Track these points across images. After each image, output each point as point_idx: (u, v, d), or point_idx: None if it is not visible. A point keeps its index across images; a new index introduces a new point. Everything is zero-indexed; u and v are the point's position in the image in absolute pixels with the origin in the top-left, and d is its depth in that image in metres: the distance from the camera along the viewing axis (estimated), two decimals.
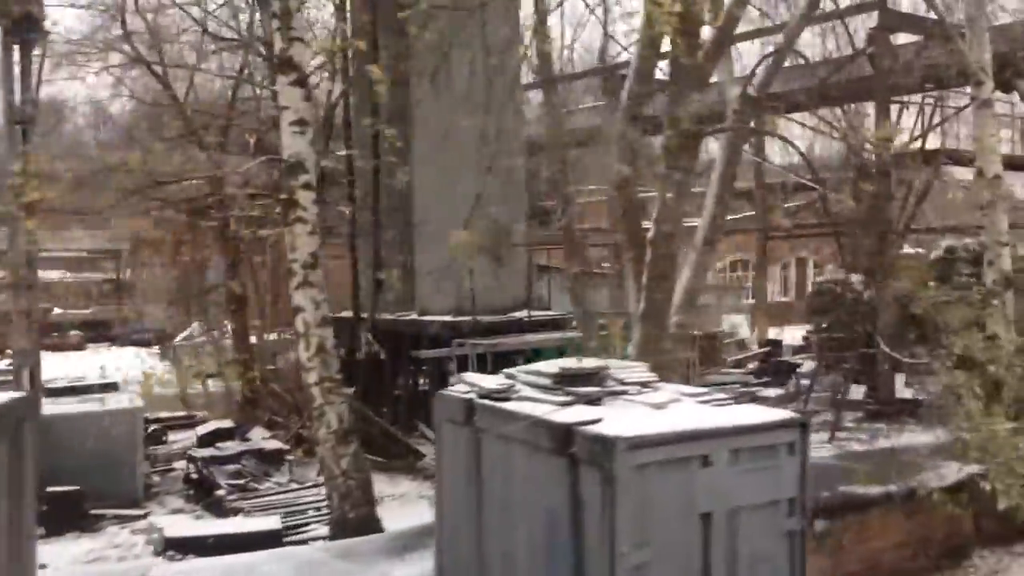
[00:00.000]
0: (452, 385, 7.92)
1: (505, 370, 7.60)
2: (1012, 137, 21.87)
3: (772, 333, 29.88)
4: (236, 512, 12.45)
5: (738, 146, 9.81)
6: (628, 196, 9.20)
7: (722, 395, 7.02)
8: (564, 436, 6.07)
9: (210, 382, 22.02)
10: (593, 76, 18.12)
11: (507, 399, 6.99)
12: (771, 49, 19.29)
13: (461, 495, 7.27)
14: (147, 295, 36.64)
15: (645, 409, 6.59)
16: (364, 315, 16.96)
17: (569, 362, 7.15)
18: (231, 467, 14.82)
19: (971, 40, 15.29)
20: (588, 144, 12.66)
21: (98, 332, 46.36)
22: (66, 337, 42.10)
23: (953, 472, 10.94)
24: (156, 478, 16.79)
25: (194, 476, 15.22)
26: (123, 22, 18.28)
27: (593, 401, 6.72)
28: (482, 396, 7.11)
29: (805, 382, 20.32)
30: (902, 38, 20.86)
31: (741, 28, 17.25)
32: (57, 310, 47.78)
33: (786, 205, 26.04)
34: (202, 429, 16.84)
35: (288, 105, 9.89)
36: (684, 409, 6.64)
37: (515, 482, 6.64)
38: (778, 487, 6.32)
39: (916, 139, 22.97)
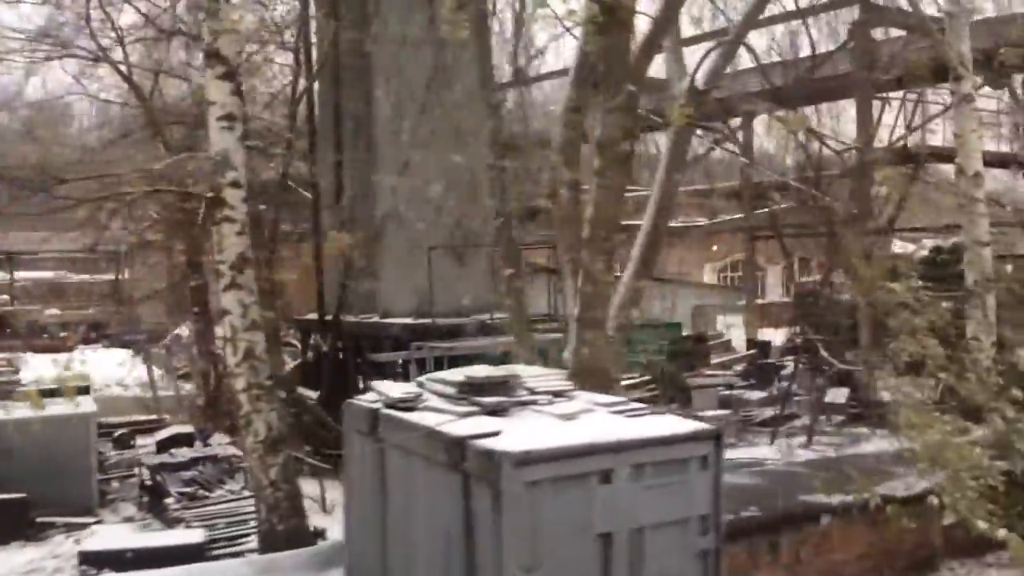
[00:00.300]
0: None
1: (417, 378, 7.20)
2: (998, 133, 21.37)
3: (768, 334, 29.43)
4: (179, 522, 12.06)
5: (684, 141, 9.37)
6: (566, 196, 8.77)
7: (639, 405, 6.61)
8: (457, 450, 5.69)
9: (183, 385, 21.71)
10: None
11: (413, 409, 6.60)
12: (762, 50, 18.91)
13: (367, 509, 6.90)
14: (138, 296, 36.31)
15: (552, 420, 6.20)
16: (328, 317, 16.59)
17: (477, 370, 6.75)
18: (187, 474, 14.44)
19: (951, 34, 14.88)
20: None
21: (93, 333, 46.05)
22: (56, 338, 41.85)
23: (915, 482, 10.46)
24: (115, 484, 16.38)
25: (148, 483, 14.83)
26: (87, 18, 17.92)
27: (499, 412, 6.33)
28: (388, 406, 6.73)
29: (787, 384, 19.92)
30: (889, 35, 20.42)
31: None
32: (55, 311, 47.55)
33: (773, 208, 25.55)
34: (162, 434, 16.48)
35: (215, 100, 9.50)
36: (594, 420, 6.24)
37: (416, 497, 6.26)
38: (689, 504, 5.93)
39: (905, 136, 22.54)
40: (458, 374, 6.67)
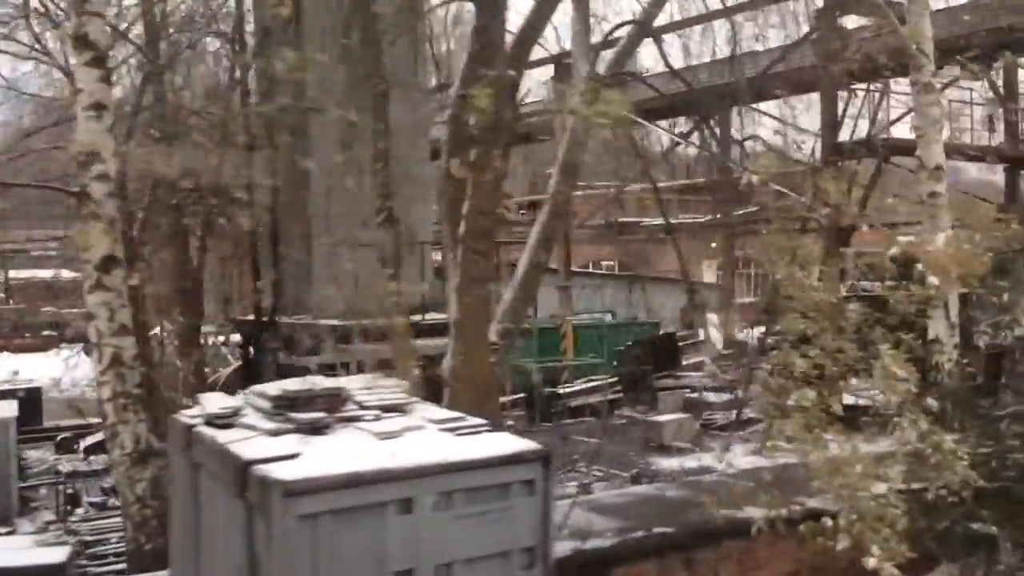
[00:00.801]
0: None
1: (245, 389, 6.55)
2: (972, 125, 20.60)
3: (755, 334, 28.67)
4: (76, 534, 11.50)
5: (583, 133, 8.66)
6: (453, 196, 8.08)
7: (478, 421, 5.92)
8: (241, 476, 5.03)
9: None
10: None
11: (230, 425, 5.94)
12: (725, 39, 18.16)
13: (184, 534, 6.25)
14: None
15: (369, 439, 5.54)
16: (265, 318, 15.98)
17: (297, 382, 6.09)
18: (109, 481, 13.86)
19: (911, 19, 14.19)
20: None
21: (80, 332, 45.53)
22: (36, 337, 41.44)
23: None
24: (43, 491, 15.83)
25: (70, 491, 14.28)
26: (27, 8, 17.34)
27: (317, 429, 5.66)
28: (206, 421, 6.07)
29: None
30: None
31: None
32: (49, 309, 47.09)
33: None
34: (90, 439, 15.93)
35: (83, 87, 8.88)
36: (418, 439, 5.57)
37: (217, 525, 5.61)
38: (511, 535, 5.26)
39: (885, 128, 21.82)
40: (275, 387, 6.02)
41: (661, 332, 26.27)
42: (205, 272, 16.80)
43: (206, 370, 18.88)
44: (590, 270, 41.32)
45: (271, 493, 4.64)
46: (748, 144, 23.43)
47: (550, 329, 23.92)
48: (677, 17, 19.00)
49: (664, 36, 19.24)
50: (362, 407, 5.98)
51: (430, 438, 5.62)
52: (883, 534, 6.89)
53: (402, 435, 5.62)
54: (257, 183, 15.95)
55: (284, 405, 5.78)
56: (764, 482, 9.56)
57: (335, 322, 14.39)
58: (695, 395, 20.39)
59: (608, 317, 30.49)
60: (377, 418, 5.87)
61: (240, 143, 15.58)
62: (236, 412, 6.04)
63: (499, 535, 5.20)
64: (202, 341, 17.56)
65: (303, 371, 14.43)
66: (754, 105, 23.47)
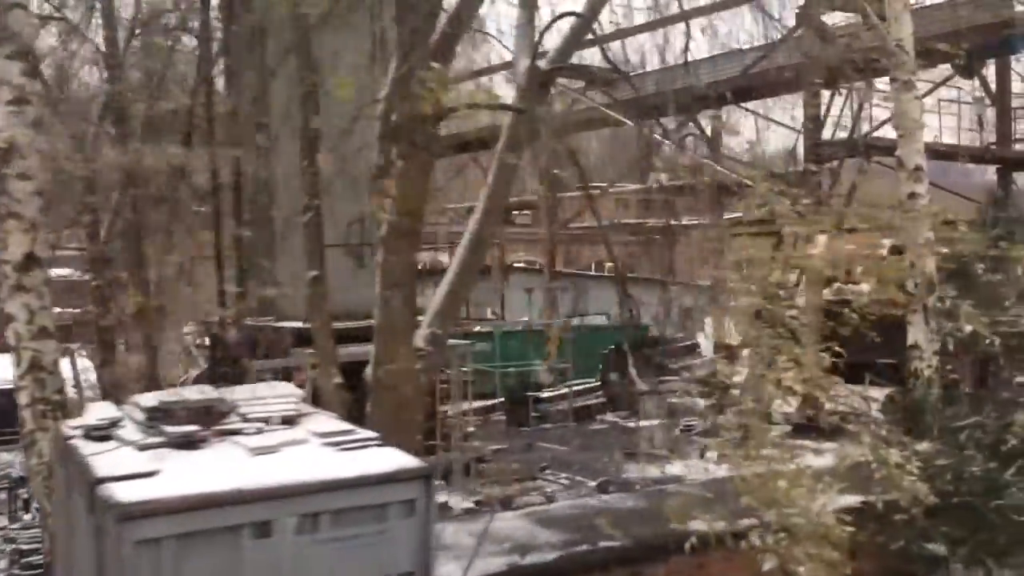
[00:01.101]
0: None
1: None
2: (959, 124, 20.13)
3: None
4: (13, 542, 11.19)
5: (520, 131, 8.26)
6: (383, 195, 7.72)
7: (368, 435, 5.56)
8: (90, 493, 4.68)
9: None
10: None
11: (107, 438, 5.59)
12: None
13: (63, 550, 5.91)
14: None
15: (243, 455, 5.18)
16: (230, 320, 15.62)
17: (173, 393, 5.74)
18: None
19: (891, 17, 13.80)
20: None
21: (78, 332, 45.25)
22: None
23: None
24: (2, 495, 15.52)
25: (26, 496, 13.97)
26: None
27: (192, 443, 5.31)
28: (85, 433, 5.72)
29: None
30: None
31: None
32: (55, 310, 46.79)
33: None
34: None
35: (5, 81, 8.52)
36: (295, 455, 5.21)
37: (81, 542, 5.25)
38: (387, 560, 4.90)
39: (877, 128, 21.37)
40: (151, 398, 5.67)
41: (649, 335, 25.79)
42: (169, 272, 16.45)
43: (177, 372, 18.58)
44: (590, 272, 40.82)
45: (108, 516, 4.28)
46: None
47: (534, 332, 23.57)
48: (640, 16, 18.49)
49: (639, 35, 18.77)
50: (245, 419, 5.63)
51: (309, 454, 5.27)
52: (815, 553, 6.47)
53: (279, 450, 5.27)
54: (223, 182, 15.67)
55: (157, 417, 5.44)
56: (721, 495, 9.20)
57: (298, 324, 14.06)
58: (679, 400, 19.98)
59: (602, 319, 30.04)
60: (259, 431, 5.52)
61: (206, 141, 15.28)
62: (114, 423, 5.70)
63: (373, 560, 4.84)
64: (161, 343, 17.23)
65: (267, 374, 14.14)
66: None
